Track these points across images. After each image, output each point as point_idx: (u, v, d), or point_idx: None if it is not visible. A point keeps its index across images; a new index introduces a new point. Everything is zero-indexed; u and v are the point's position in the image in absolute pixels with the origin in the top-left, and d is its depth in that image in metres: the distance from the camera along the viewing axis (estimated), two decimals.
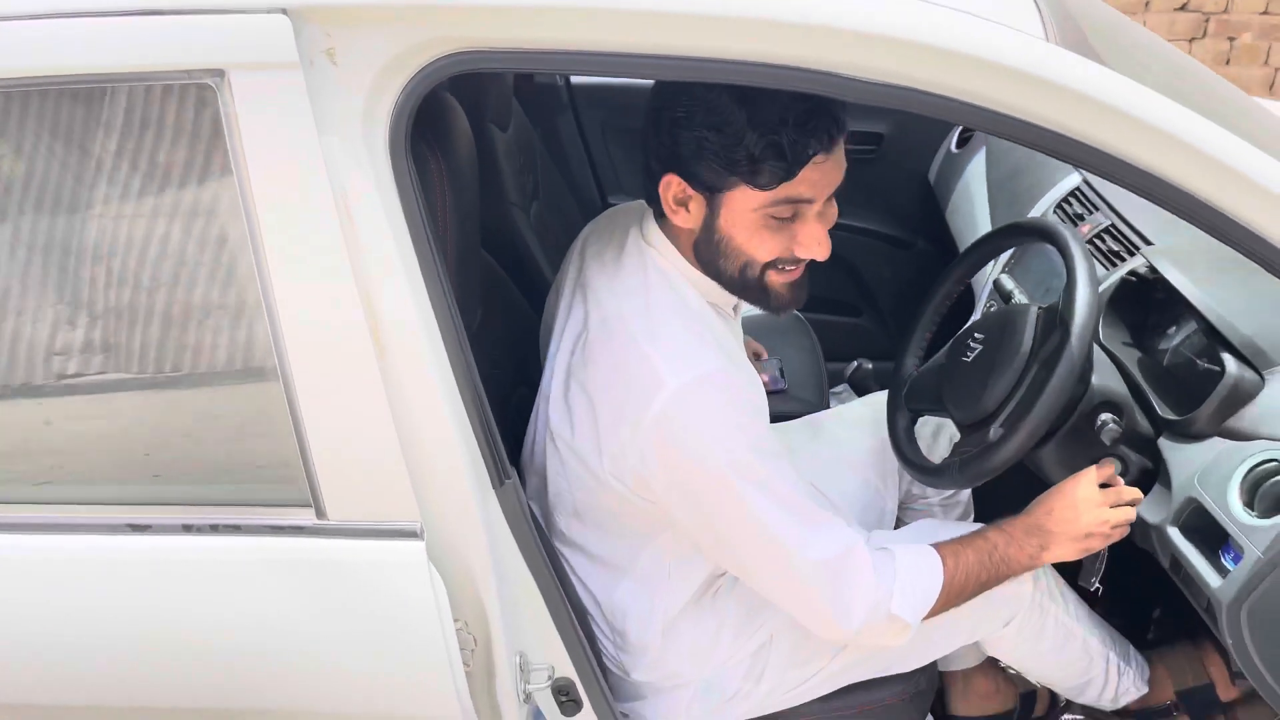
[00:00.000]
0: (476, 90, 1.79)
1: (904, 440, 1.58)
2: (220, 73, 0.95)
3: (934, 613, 1.33)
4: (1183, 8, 3.36)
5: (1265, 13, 3.34)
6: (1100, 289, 1.51)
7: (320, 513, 1.09)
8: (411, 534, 1.08)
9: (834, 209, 1.27)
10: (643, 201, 1.35)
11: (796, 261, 1.25)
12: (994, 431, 1.41)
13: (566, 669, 1.25)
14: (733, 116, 1.15)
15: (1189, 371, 1.50)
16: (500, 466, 1.13)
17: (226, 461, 1.14)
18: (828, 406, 2.12)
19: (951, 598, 1.34)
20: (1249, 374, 1.37)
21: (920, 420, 1.66)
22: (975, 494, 1.84)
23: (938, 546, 1.35)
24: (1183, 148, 1.02)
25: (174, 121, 0.99)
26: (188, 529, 1.11)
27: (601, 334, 1.28)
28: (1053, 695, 1.86)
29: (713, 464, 1.21)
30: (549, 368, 1.39)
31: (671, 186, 1.24)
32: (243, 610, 1.12)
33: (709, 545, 1.33)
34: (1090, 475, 1.38)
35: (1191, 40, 3.38)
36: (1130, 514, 1.38)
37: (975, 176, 2.25)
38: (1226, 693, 1.74)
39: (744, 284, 1.27)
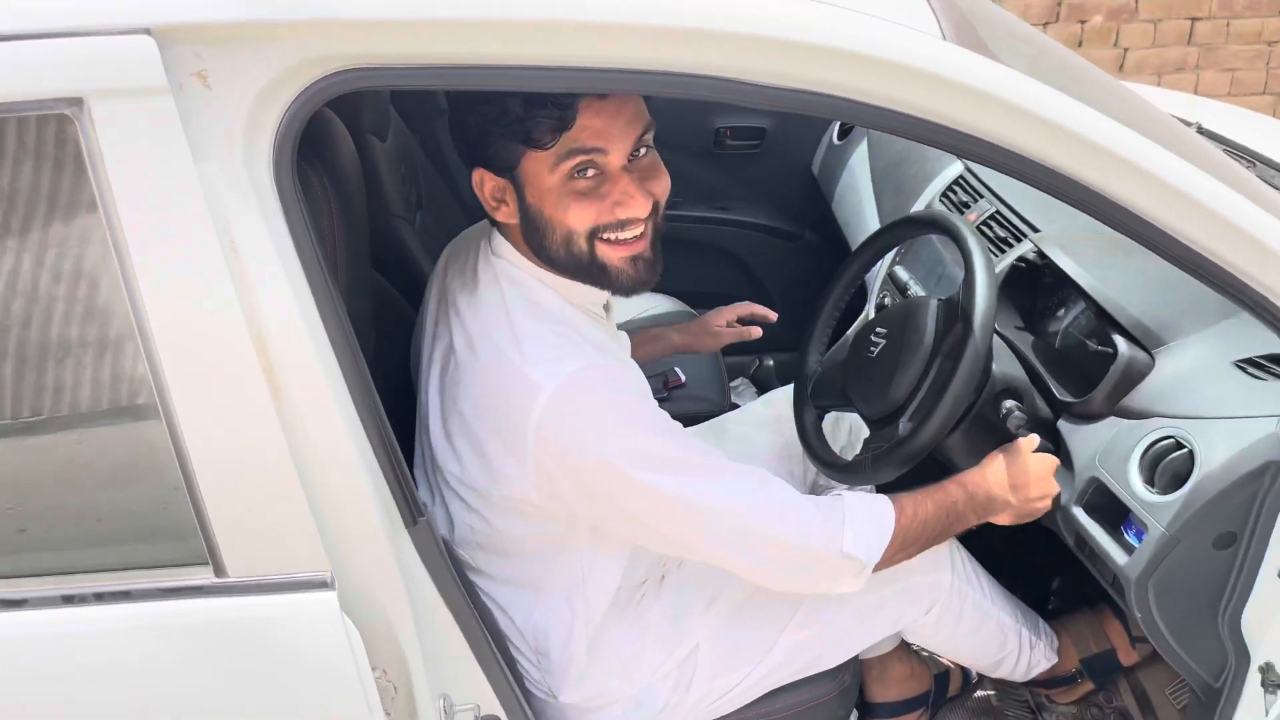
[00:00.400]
0: (354, 101, 1.70)
1: (813, 438, 1.58)
2: (78, 101, 0.86)
3: (889, 558, 1.32)
4: None
5: None
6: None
7: (219, 570, 1.01)
8: (322, 584, 1.02)
9: (658, 170, 1.23)
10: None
11: (622, 225, 1.20)
12: (903, 426, 1.42)
13: (492, 705, 1.21)
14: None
15: (1081, 353, 1.54)
16: (412, 504, 1.07)
17: (109, 520, 1.04)
18: (730, 403, 2.11)
19: (907, 544, 1.33)
20: (1140, 354, 1.41)
21: (830, 417, 1.66)
22: (882, 488, 1.87)
23: (900, 494, 1.35)
24: (1073, 138, 1.04)
25: (33, 155, 0.90)
26: (69, 600, 1.01)
27: (469, 356, 1.23)
28: (965, 673, 1.90)
29: (613, 456, 1.17)
30: (422, 396, 1.33)
31: (485, 183, 1.21)
32: (140, 685, 1.03)
33: (644, 538, 1.29)
34: (1037, 449, 1.41)
35: (1045, 25, 3.51)
36: (1057, 487, 1.41)
37: (858, 167, 2.28)
38: (1127, 657, 1.81)
39: (578, 263, 1.22)
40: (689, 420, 1.83)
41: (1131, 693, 1.84)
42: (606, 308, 1.37)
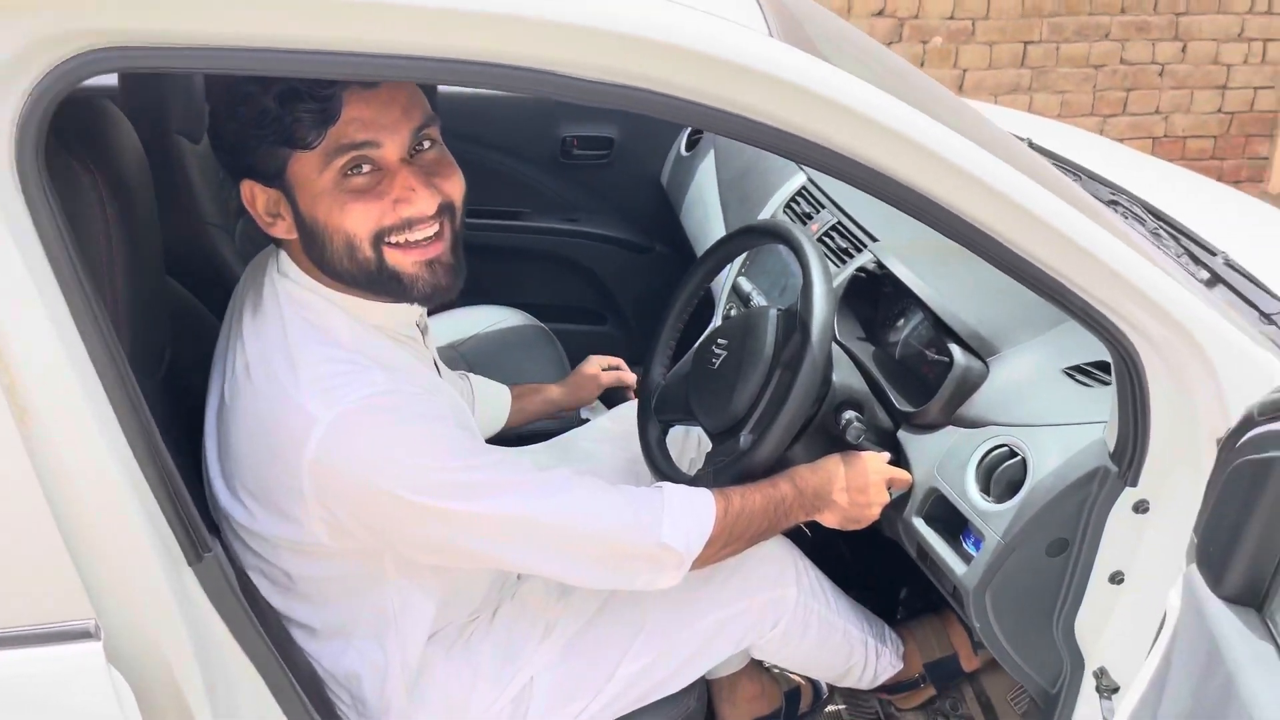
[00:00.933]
0: (157, 95, 1.56)
1: (656, 452, 1.53)
2: None
3: (715, 553, 1.27)
4: (880, 13, 3.57)
5: (952, 18, 3.61)
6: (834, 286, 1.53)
7: None
8: (84, 634, 0.89)
9: (448, 166, 1.14)
10: None
11: (409, 225, 1.10)
12: (744, 439, 1.38)
13: None
14: (249, 84, 1.03)
15: (920, 363, 1.53)
16: (195, 537, 0.96)
17: None
18: (579, 419, 2.05)
19: (733, 538, 1.30)
20: (975, 363, 1.41)
21: (677, 431, 1.62)
22: None
23: (728, 488, 1.31)
24: (908, 144, 1.01)
25: None
26: None
27: (245, 382, 1.12)
28: (815, 687, 1.88)
29: (399, 489, 1.07)
30: (206, 427, 1.21)
31: (256, 197, 1.11)
32: None
33: (457, 561, 1.22)
34: (881, 459, 1.40)
35: (890, 44, 3.59)
36: (888, 496, 1.41)
37: (706, 178, 2.25)
38: (969, 663, 1.82)
39: (366, 274, 1.11)
40: (537, 437, 1.76)
41: (976, 700, 1.85)
42: (423, 330, 1.27)
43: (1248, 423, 1.02)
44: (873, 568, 1.91)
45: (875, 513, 1.40)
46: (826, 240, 1.80)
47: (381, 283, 1.12)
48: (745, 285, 1.83)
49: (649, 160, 2.49)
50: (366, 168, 1.07)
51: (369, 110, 1.05)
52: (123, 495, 0.89)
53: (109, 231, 1.05)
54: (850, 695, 1.88)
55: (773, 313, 1.45)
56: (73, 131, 0.89)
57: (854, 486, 1.37)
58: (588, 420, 1.92)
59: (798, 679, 1.85)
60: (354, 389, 1.07)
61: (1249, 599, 1.02)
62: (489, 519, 1.13)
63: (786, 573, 1.51)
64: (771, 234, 1.50)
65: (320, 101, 1.02)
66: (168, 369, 1.23)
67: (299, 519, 1.09)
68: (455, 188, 1.14)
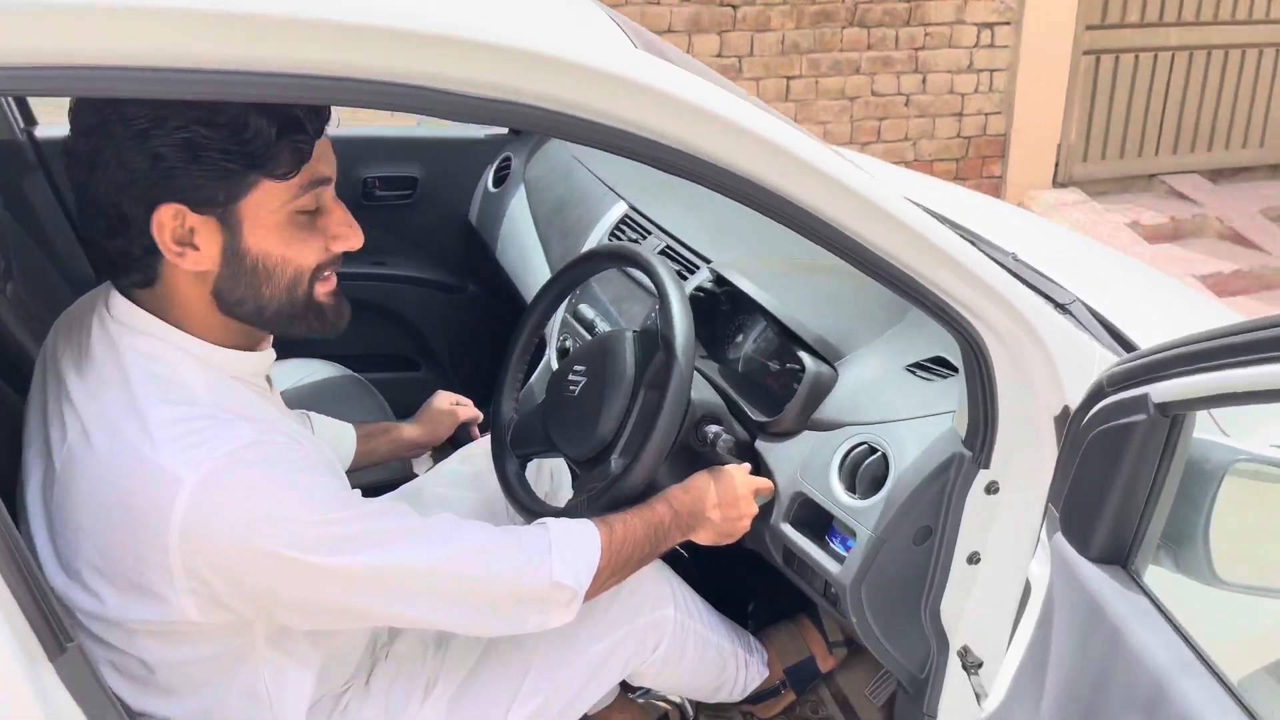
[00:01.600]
0: None
1: (518, 488, 1.49)
2: None
3: (601, 584, 1.24)
4: None
5: (719, 55, 3.79)
6: None
7: None
8: None
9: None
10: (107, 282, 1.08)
11: (334, 262, 1.09)
12: (615, 463, 1.37)
13: None
14: (235, 105, 0.95)
15: (764, 374, 1.58)
16: (56, 627, 0.83)
17: None
18: (411, 469, 1.96)
19: (618, 567, 1.27)
20: (825, 368, 1.46)
21: (531, 465, 1.58)
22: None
23: (608, 516, 1.29)
24: (783, 154, 1.04)
25: None
26: None
27: (84, 450, 0.99)
28: (680, 711, 1.88)
29: (282, 547, 0.99)
30: (26, 522, 1.07)
31: (167, 225, 0.98)
32: None
33: (340, 623, 1.14)
34: (744, 471, 1.41)
35: None
36: (756, 508, 1.43)
37: (519, 214, 2.24)
38: (825, 662, 1.88)
39: (292, 309, 1.06)
40: (376, 490, 1.67)
41: (834, 700, 1.91)
42: (269, 380, 1.19)
43: (1097, 394, 1.12)
44: (724, 583, 1.94)
45: (747, 525, 1.42)
46: None
47: (296, 317, 1.07)
48: (588, 313, 1.82)
49: (455, 199, 2.44)
50: (314, 202, 1.03)
51: (323, 145, 1.03)
52: None
53: None
54: (714, 710, 1.89)
55: (629, 335, 1.45)
56: None
57: (725, 502, 1.38)
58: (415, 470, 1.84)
59: (665, 705, 1.85)
60: (219, 443, 0.97)
61: (1115, 557, 1.12)
62: (379, 571, 1.05)
63: (663, 593, 1.50)
64: (620, 257, 1.50)
65: (312, 137, 0.99)
66: None
67: (163, 596, 0.97)
68: None
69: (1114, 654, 1.04)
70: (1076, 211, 4.23)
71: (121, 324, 1.03)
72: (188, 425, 0.98)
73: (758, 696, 1.84)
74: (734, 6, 3.76)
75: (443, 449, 2.06)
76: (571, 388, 1.47)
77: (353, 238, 1.08)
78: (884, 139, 4.17)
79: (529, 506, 1.46)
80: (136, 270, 1.02)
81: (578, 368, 1.48)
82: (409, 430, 1.70)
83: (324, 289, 1.09)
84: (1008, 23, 4.14)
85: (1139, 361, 1.03)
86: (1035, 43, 4.16)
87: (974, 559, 1.36)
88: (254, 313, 1.06)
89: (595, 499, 1.35)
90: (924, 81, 4.13)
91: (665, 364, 1.34)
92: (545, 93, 0.93)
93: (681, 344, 1.34)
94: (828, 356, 1.48)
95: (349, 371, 2.14)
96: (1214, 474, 1.07)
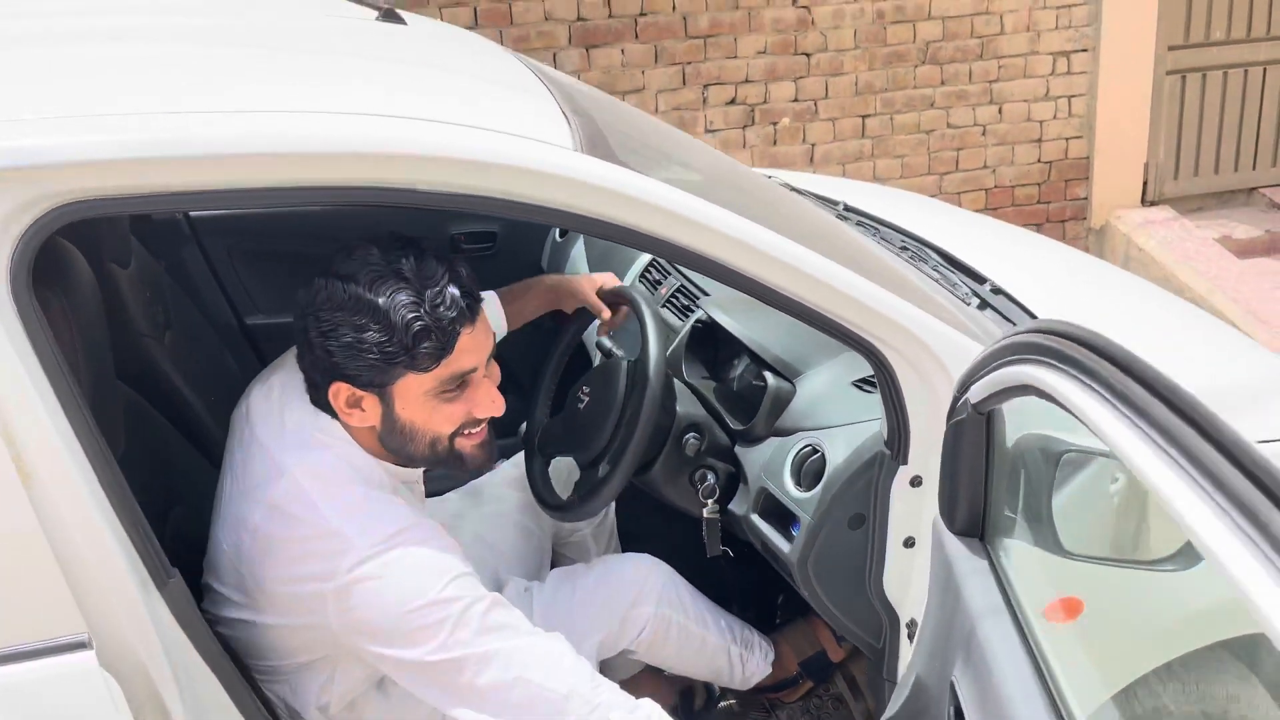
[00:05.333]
0: (92, 232, 1.85)
1: (539, 482, 1.83)
2: None
3: None
4: (732, 101, 4.01)
5: (795, 100, 4.07)
6: (680, 336, 1.88)
7: None
8: (80, 645, 1.15)
9: (496, 367, 1.43)
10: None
11: (479, 423, 1.40)
12: (602, 469, 1.70)
13: None
14: (376, 315, 1.26)
15: (749, 390, 1.87)
16: (161, 566, 1.22)
17: None
18: None
19: None
20: (784, 384, 1.75)
21: (555, 463, 1.92)
22: (619, 524, 2.15)
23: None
24: (696, 225, 1.33)
25: None
26: None
27: (268, 504, 1.33)
28: (708, 687, 2.15)
29: (432, 615, 1.28)
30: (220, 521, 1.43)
31: (341, 394, 1.32)
32: None
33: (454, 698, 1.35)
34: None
35: (744, 127, 4.03)
36: None
37: (578, 258, 2.60)
38: (835, 654, 2.11)
39: (435, 458, 1.39)
40: (449, 486, 2.03)
41: (843, 679, 2.16)
42: (418, 484, 1.52)
43: (956, 398, 1.37)
44: (751, 583, 2.21)
45: None
46: (674, 300, 2.15)
47: (440, 463, 1.40)
48: (607, 343, 2.16)
49: (529, 248, 2.83)
50: (457, 384, 1.34)
51: (472, 343, 1.32)
52: (103, 532, 1.16)
53: (75, 344, 1.33)
54: (741, 694, 2.15)
55: (624, 363, 1.78)
56: (45, 266, 1.17)
57: None
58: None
59: (689, 680, 2.12)
60: (392, 519, 1.31)
61: (973, 531, 1.36)
62: (489, 688, 1.32)
63: (644, 593, 1.79)
64: (620, 297, 1.84)
65: (446, 343, 1.28)
66: (124, 454, 1.50)
67: (308, 624, 1.34)
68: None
69: (956, 605, 1.29)
70: (1163, 229, 4.27)
71: (323, 432, 1.37)
72: (368, 501, 1.32)
73: (779, 685, 2.09)
74: (807, 55, 4.03)
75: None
76: (580, 403, 1.81)
77: (493, 409, 1.38)
78: (962, 168, 4.34)
79: (544, 498, 1.80)
80: (324, 405, 1.37)
81: (585, 388, 1.82)
82: (548, 279, 1.90)
83: (468, 442, 1.39)
84: (1084, 49, 4.25)
85: (967, 369, 1.29)
86: (1115, 67, 4.24)
87: (909, 543, 1.61)
88: (406, 459, 1.39)
89: (585, 497, 1.69)
90: (1000, 111, 4.28)
91: (641, 389, 1.66)
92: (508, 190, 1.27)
93: (652, 374, 1.66)
94: (788, 374, 1.77)
95: None
96: (1050, 462, 1.31)
